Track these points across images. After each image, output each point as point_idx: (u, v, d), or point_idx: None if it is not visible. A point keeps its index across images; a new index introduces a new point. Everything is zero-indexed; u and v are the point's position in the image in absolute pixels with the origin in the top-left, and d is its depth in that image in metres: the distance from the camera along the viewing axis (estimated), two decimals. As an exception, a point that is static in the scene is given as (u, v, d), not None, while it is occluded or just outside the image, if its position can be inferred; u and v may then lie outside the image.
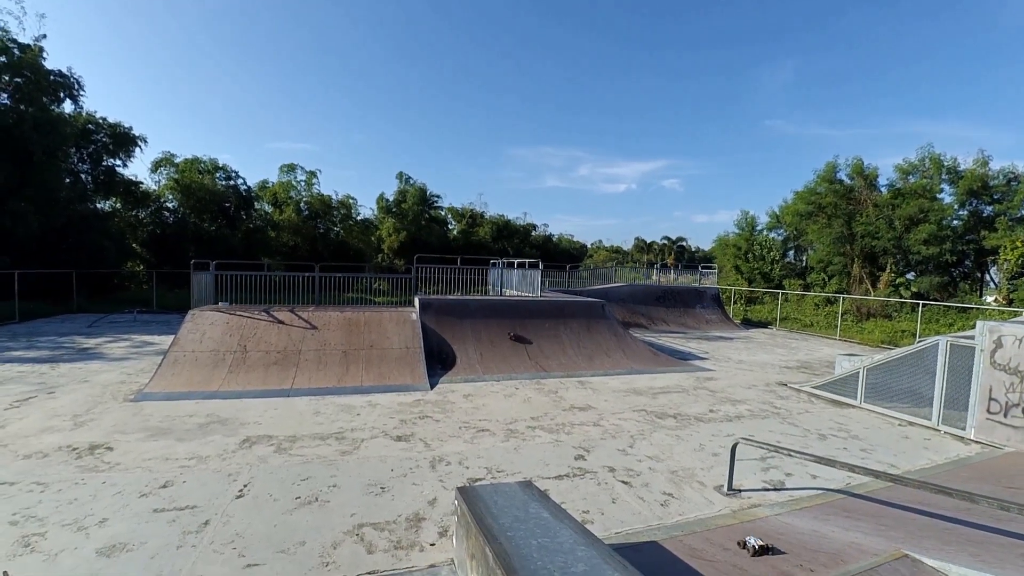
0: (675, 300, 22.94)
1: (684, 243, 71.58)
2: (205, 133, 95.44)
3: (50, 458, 5.88)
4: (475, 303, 12.72)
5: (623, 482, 5.73)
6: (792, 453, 5.59)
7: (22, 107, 19.91)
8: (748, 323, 24.12)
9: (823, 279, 30.46)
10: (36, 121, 19.72)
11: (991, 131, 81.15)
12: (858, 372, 9.54)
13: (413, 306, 12.16)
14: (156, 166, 31.13)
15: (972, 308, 20.81)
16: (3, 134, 18.70)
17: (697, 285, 25.35)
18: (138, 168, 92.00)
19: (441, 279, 15.48)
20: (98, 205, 26.56)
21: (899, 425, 8.44)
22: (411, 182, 42.52)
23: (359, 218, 41.18)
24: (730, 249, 36.87)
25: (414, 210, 41.04)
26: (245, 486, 5.30)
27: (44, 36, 21.53)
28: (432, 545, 4.29)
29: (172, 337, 10.18)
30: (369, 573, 3.87)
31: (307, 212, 37.06)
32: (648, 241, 73.23)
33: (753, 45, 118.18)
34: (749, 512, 5.10)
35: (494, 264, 18.16)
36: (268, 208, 36.41)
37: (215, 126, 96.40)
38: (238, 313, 10.70)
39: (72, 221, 21.66)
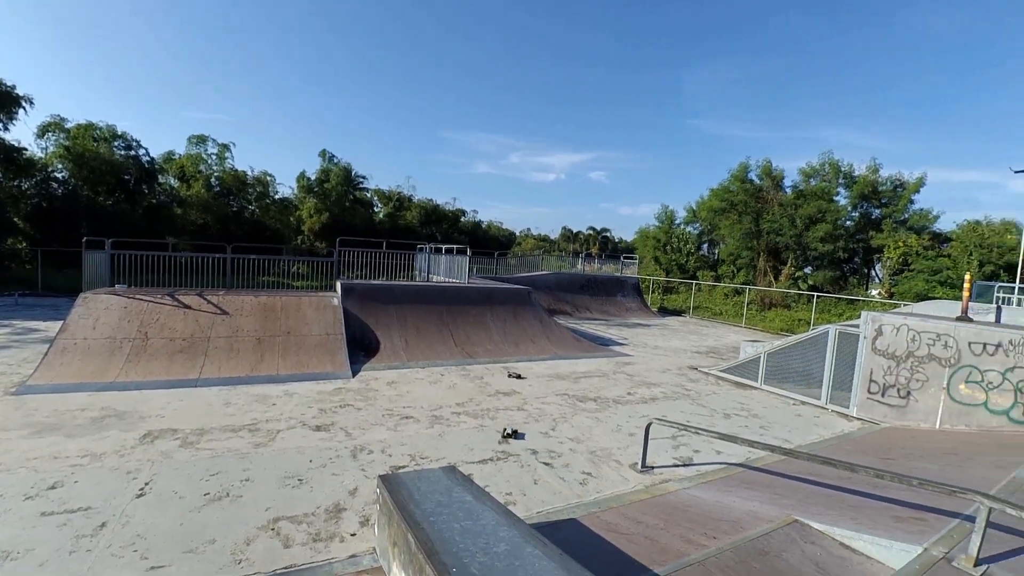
0: (598, 289, 23.72)
1: (608, 234, 73.91)
2: (101, 96, 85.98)
3: (-93, 460, 5.18)
4: (401, 288, 12.49)
5: (545, 464, 5.90)
6: (700, 431, 6.01)
7: None
8: (664, 311, 25.41)
9: (732, 271, 32.73)
10: None
11: (884, 141, 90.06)
12: (759, 357, 10.35)
13: (335, 291, 11.74)
14: (43, 131, 27.71)
15: (859, 300, 23.15)
16: None
17: (619, 275, 26.35)
18: (21, 133, 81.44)
19: (365, 263, 15.02)
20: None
21: (793, 404, 9.27)
22: (335, 161, 40.68)
23: (277, 197, 38.93)
24: (650, 241, 38.66)
25: (338, 190, 39.31)
26: (147, 484, 4.92)
27: None
28: (353, 535, 4.22)
29: (60, 323, 9.19)
30: (286, 568, 3.75)
31: (219, 188, 34.53)
32: (575, 231, 74.92)
33: (682, 47, 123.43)
34: (661, 487, 5.42)
35: (421, 249, 17.89)
36: (174, 182, 33.58)
37: (114, 88, 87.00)
38: (138, 297, 9.84)
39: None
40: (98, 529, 4.11)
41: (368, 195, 44.70)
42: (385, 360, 10.26)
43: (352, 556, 3.91)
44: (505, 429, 6.88)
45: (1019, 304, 15.82)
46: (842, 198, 30.88)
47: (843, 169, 30.75)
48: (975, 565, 3.27)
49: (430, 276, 16.94)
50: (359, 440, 6.31)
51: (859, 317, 9.03)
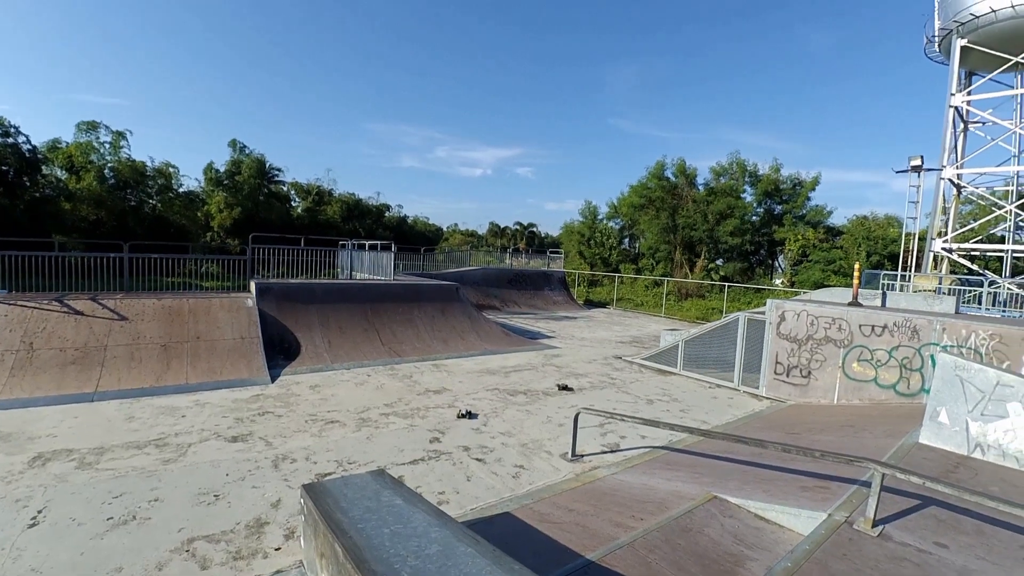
0: (526, 283, 24.02)
1: (535, 229, 74.91)
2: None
3: None
4: (322, 287, 12.00)
5: (477, 460, 5.91)
6: (625, 418, 6.26)
7: None
8: (590, 304, 26.19)
9: (652, 264, 34.34)
10: None
11: (784, 143, 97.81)
12: (678, 344, 10.93)
13: (249, 291, 11.08)
14: None
15: (765, 289, 25.02)
16: None
17: (546, 269, 26.83)
18: None
19: (283, 261, 14.26)
20: None
21: (710, 388, 9.87)
22: (247, 152, 38.28)
23: (181, 190, 36.14)
24: (575, 236, 39.69)
25: (250, 183, 36.99)
26: (40, 512, 4.41)
27: None
28: (277, 550, 4.01)
29: (-82, 336, 8.03)
30: (202, 589, 3.50)
31: (114, 181, 31.51)
32: (502, 226, 75.29)
33: (603, 43, 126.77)
34: (590, 474, 5.59)
35: (343, 246, 17.26)
36: (61, 174, 30.25)
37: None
38: (21, 303, 8.78)
39: None
40: (-22, 567, 3.64)
41: (285, 188, 42.59)
42: (307, 363, 9.83)
43: (277, 572, 3.73)
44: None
45: (901, 290, 17.82)
46: (748, 195, 33.40)
47: (749, 168, 33.26)
48: (873, 526, 3.63)
49: (353, 273, 16.39)
50: (281, 449, 6.00)
51: (765, 305, 9.76)
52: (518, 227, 73.73)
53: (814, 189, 31.74)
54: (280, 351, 10.00)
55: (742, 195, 32.91)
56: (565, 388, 9.11)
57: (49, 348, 8.22)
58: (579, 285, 30.79)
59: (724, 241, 31.08)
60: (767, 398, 9.30)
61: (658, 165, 34.37)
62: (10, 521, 4.25)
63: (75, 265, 11.17)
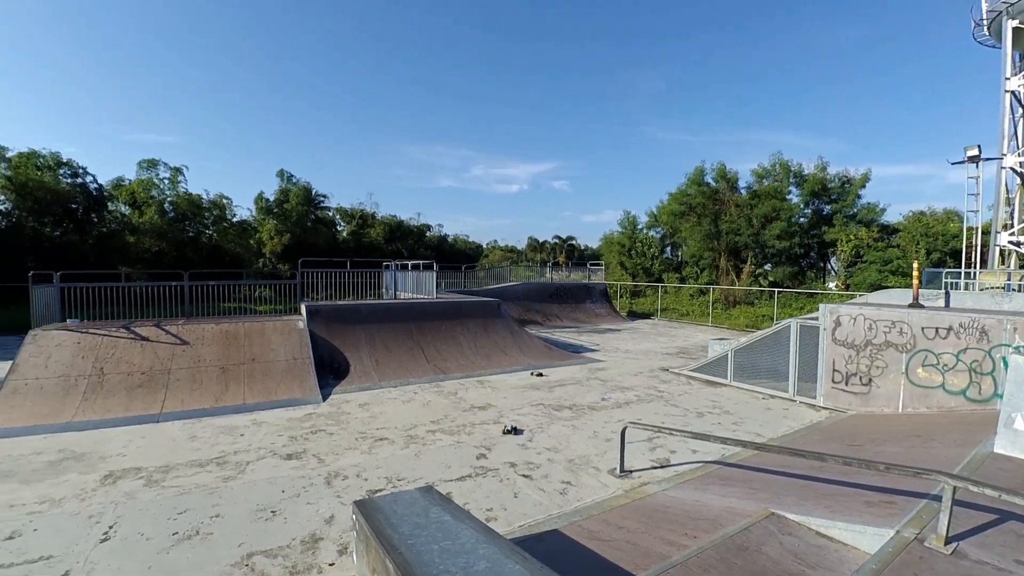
0: (567, 296, 23.93)
1: (574, 241, 74.75)
2: (44, 122, 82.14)
3: None
4: (368, 307, 12.32)
5: (524, 476, 5.88)
6: (674, 432, 6.10)
7: None
8: (633, 315, 25.80)
9: (696, 272, 33.54)
10: None
11: (828, 141, 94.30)
12: (727, 354, 10.61)
13: (300, 314, 11.49)
14: (-18, 162, 26.41)
15: (818, 293, 24.00)
16: None
17: (586, 281, 26.67)
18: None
19: (330, 284, 14.76)
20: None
21: (763, 399, 9.51)
22: (294, 180, 40.02)
23: (235, 220, 37.95)
24: (615, 247, 39.30)
25: (298, 210, 38.61)
26: (111, 527, 4.68)
27: None
28: (331, 565, 4.10)
29: (10, 363, 8.70)
30: (261, 604, 3.62)
31: (173, 214, 33.44)
32: (541, 240, 75.48)
33: (631, 49, 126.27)
34: (640, 491, 5.47)
35: (387, 266, 17.71)
36: (126, 210, 32.35)
37: (57, 113, 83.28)
38: (92, 331, 9.41)
39: None
40: (58, 580, 3.88)
41: (330, 214, 44.12)
42: (356, 381, 10.07)
43: (331, 587, 3.81)
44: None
45: (966, 288, 16.72)
46: (794, 196, 32.23)
47: (793, 169, 32.15)
48: (945, 543, 3.40)
49: (397, 293, 16.77)
50: (333, 466, 6.16)
51: (818, 310, 9.36)
52: (557, 241, 73.71)
53: (864, 186, 30.34)
54: (330, 370, 10.30)
55: (787, 197, 31.78)
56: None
57: (118, 373, 8.76)
58: (621, 296, 30.41)
59: (771, 245, 30.05)
60: (825, 408, 8.88)
61: (697, 171, 33.76)
62: (84, 536, 4.53)
63: (140, 294, 11.91)
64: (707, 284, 28.50)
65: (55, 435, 7.21)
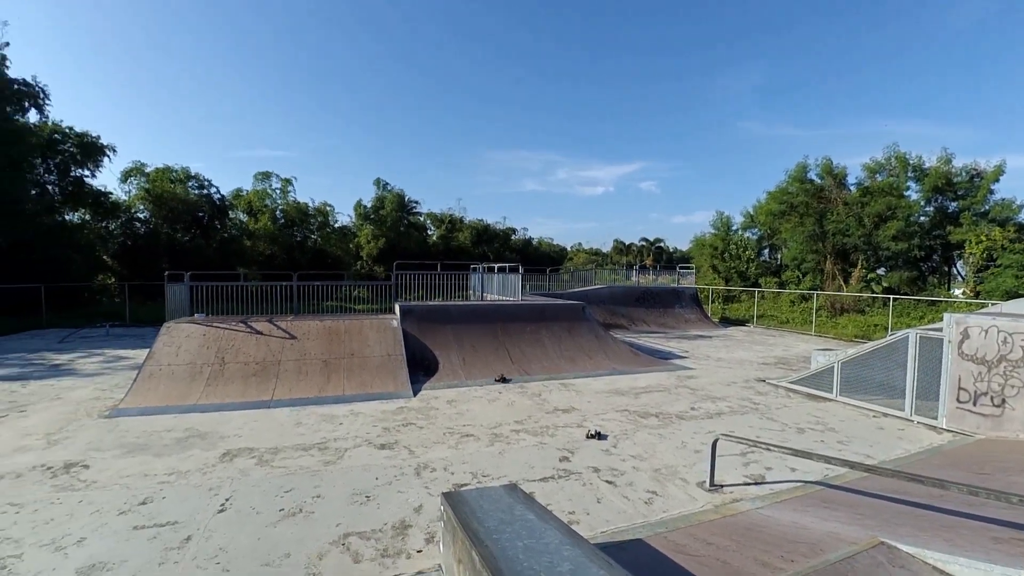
0: (655, 301, 23.22)
1: (662, 244, 72.44)
2: (176, 141, 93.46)
3: (24, 478, 5.71)
4: (456, 308, 12.71)
5: (608, 482, 5.79)
6: (771, 447, 5.72)
7: (-16, 117, 19.24)
8: (726, 321, 24.52)
9: (797, 276, 31.19)
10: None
11: (952, 129, 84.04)
12: (833, 366, 9.78)
13: (394, 313, 12.09)
14: (126, 176, 30.38)
15: (941, 301, 21.51)
16: (-35, 146, 18.06)
17: (676, 285, 25.72)
18: (107, 178, 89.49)
19: (421, 285, 15.43)
20: (66, 217, 25.77)
21: (874, 416, 8.67)
22: (389, 188, 42.34)
23: (337, 225, 40.82)
24: (707, 249, 37.50)
25: (392, 216, 40.81)
26: (227, 500, 5.21)
27: (7, 44, 20.88)
28: (419, 552, 4.28)
29: (147, 351, 9.95)
30: (356, 583, 3.85)
31: (283, 220, 36.57)
32: (627, 243, 73.88)
33: (719, 48, 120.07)
34: (731, 507, 5.19)
35: (474, 269, 18.18)
36: (243, 217, 35.83)
37: (186, 133, 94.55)
38: (215, 325, 10.52)
39: (39, 233, 21.01)
40: (184, 542, 4.38)
41: (421, 219, 46.09)
42: (444, 379, 10.43)
43: (419, 572, 3.97)
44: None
45: None
46: (913, 192, 28.83)
47: (911, 162, 28.77)
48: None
49: (484, 295, 17.16)
50: (422, 458, 6.43)
51: (942, 320, 8.37)
52: (644, 243, 71.81)
53: (997, 180, 26.35)
54: (421, 367, 10.76)
55: (905, 193, 28.47)
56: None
57: (236, 362, 9.70)
58: (713, 302, 29.01)
59: (885, 247, 27.13)
60: (948, 431, 7.93)
61: (799, 167, 31.27)
62: (204, 506, 5.08)
63: (255, 292, 13.14)
64: (810, 289, 26.42)
65: (183, 415, 8.13)
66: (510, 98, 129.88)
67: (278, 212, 36.53)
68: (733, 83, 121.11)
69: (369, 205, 41.43)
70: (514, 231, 53.73)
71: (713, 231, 38.33)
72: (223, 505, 5.10)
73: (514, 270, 15.50)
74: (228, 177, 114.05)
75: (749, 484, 5.84)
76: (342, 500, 5.23)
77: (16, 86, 21.11)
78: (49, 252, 21.25)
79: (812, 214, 29.85)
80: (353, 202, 42.99)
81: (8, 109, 20.44)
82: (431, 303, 13.39)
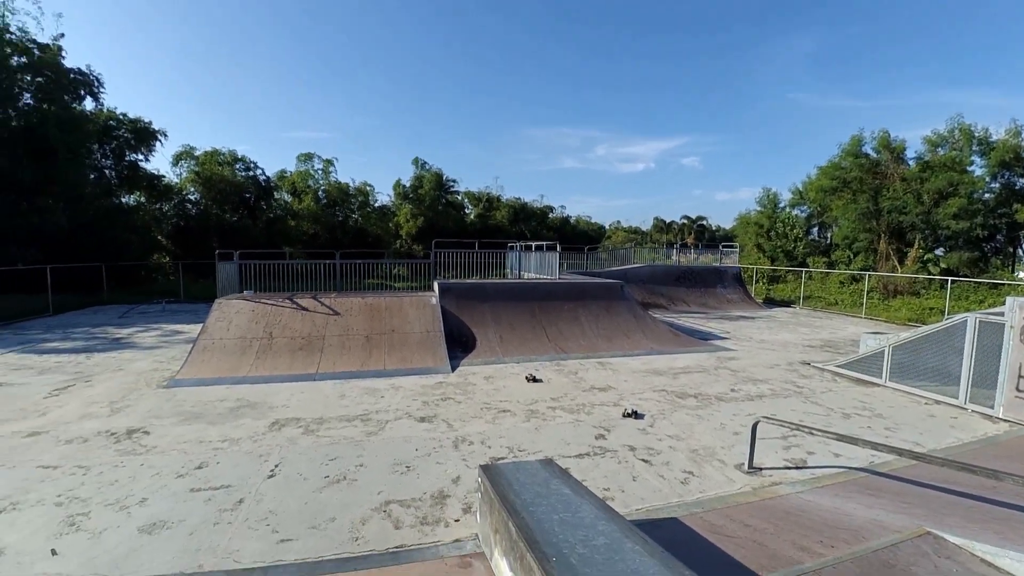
0: (695, 280, 22.74)
1: (704, 222, 70.40)
2: (222, 124, 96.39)
3: (90, 443, 6.15)
4: (493, 286, 12.80)
5: (643, 460, 5.79)
6: (814, 431, 5.58)
7: (45, 106, 20.25)
8: (771, 302, 23.82)
9: (848, 256, 29.87)
10: (59, 119, 20.03)
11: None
12: (884, 350, 9.40)
13: (432, 291, 12.28)
14: (177, 159, 31.61)
15: (1004, 284, 20.25)
16: (28, 133, 19.14)
17: (718, 265, 25.09)
18: (160, 162, 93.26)
19: (459, 263, 15.59)
20: (123, 199, 27.07)
21: (925, 404, 8.33)
22: (427, 167, 42.64)
23: (376, 205, 41.51)
24: (752, 227, 36.30)
25: (431, 195, 41.17)
26: (276, 466, 5.49)
27: (62, 35, 21.78)
28: (456, 521, 4.42)
29: (200, 326, 10.46)
30: (397, 547, 4.01)
31: (325, 200, 37.40)
32: (667, 221, 72.16)
33: (766, 18, 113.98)
34: (770, 490, 5.12)
35: (512, 247, 18.20)
36: (287, 197, 36.84)
37: (231, 117, 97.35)
38: (263, 301, 10.95)
39: (98, 216, 22.17)
40: (237, 505, 4.66)
41: (459, 198, 46.31)
42: (481, 356, 10.58)
43: (456, 540, 4.10)
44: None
45: None
46: (978, 167, 26.90)
47: (977, 134, 26.81)
48: None
49: (521, 273, 17.20)
50: (460, 431, 6.58)
51: (1004, 304, 7.89)
52: (685, 221, 70.03)
53: None
54: (458, 344, 10.93)
55: (969, 168, 26.58)
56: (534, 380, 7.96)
57: (283, 337, 10.09)
58: (758, 282, 28.17)
59: (945, 226, 25.52)
60: (1005, 420, 7.53)
61: (854, 140, 29.59)
62: (255, 471, 5.36)
63: (300, 270, 13.58)
64: (861, 270, 25.29)
65: (234, 386, 8.54)
66: (551, 74, 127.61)
67: (320, 192, 37.38)
68: (783, 51, 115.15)
69: (408, 184, 41.92)
70: (551, 209, 53.40)
71: (759, 208, 37.03)
72: (272, 471, 5.37)
73: (551, 248, 15.44)
74: (272, 159, 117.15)
75: (789, 468, 5.73)
76: (383, 469, 5.43)
77: (72, 75, 22.02)
78: (108, 233, 22.44)
79: (866, 190, 28.38)
80: (392, 182, 43.61)
81: (66, 98, 21.40)
82: (469, 281, 13.52)
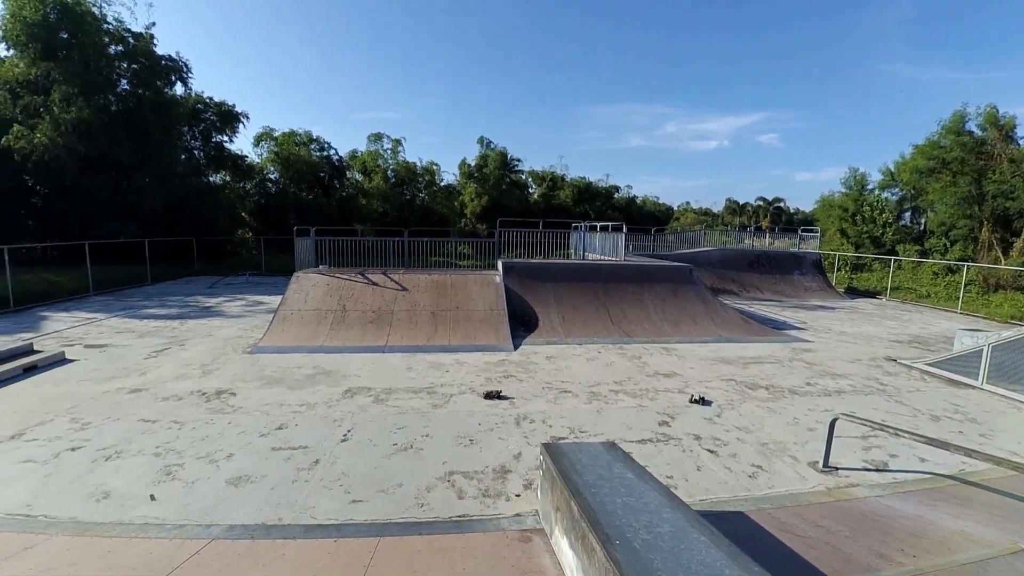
0: (770, 266, 21.63)
1: (782, 204, 66.59)
2: (298, 106, 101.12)
3: (184, 401, 6.75)
4: (557, 267, 12.75)
5: (709, 451, 5.65)
6: (899, 433, 5.22)
7: (140, 91, 21.80)
8: (853, 292, 22.31)
9: (944, 245, 27.27)
10: (153, 103, 21.57)
11: None
12: (982, 350, 8.59)
13: (496, 269, 12.39)
14: (258, 140, 33.31)
15: None
16: (126, 117, 20.72)
17: (796, 250, 23.70)
18: (242, 143, 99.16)
19: (523, 243, 15.62)
20: (210, 178, 28.90)
21: (1030, 409, 7.57)
22: (492, 147, 42.66)
23: (442, 184, 42.08)
24: (835, 210, 33.77)
25: (495, 175, 41.26)
26: (348, 431, 5.81)
27: (153, 24, 23.26)
28: (517, 496, 4.51)
29: (280, 297, 11.13)
30: (460, 516, 4.16)
31: (394, 179, 38.35)
32: (741, 203, 68.88)
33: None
34: (846, 491, 4.86)
35: (576, 227, 17.99)
36: (358, 177, 38.07)
37: (307, 99, 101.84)
38: (337, 275, 11.48)
39: (189, 194, 23.86)
40: (313, 465, 4.98)
41: (523, 177, 46.12)
42: (544, 336, 10.61)
43: (517, 515, 4.19)
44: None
45: None
46: (1105, 147, 23.68)
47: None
48: None
49: (585, 254, 17.00)
50: (522, 409, 6.67)
51: None
52: (760, 203, 66.60)
53: None
54: (521, 323, 11.02)
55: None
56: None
57: (355, 310, 10.56)
58: (839, 270, 26.40)
59: (1061, 215, 22.75)
60: None
61: (956, 117, 26.57)
62: (330, 435, 5.70)
63: (370, 247, 14.10)
64: (959, 260, 23.06)
65: (310, 355, 9.06)
66: (618, 49, 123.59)
67: (389, 172, 38.35)
68: (875, 17, 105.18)
69: (473, 164, 42.18)
70: (617, 189, 52.17)
71: (844, 190, 34.29)
72: (345, 436, 5.69)
73: (617, 229, 15.11)
74: (345, 139, 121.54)
75: (869, 470, 5.41)
76: (448, 441, 5.61)
77: (164, 62, 23.47)
78: (198, 210, 24.17)
79: (968, 172, 25.63)
80: (458, 161, 44.01)
81: (159, 83, 22.91)
82: (532, 260, 13.53)
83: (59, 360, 8.48)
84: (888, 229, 30.54)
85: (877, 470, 5.41)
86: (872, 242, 30.26)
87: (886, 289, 21.76)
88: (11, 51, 19.59)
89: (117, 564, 3.48)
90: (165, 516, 4.12)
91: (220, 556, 3.58)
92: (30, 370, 7.88)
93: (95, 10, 20.18)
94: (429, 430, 5.91)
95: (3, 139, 17.34)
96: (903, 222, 32.91)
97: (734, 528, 3.98)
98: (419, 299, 10.96)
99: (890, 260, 24.08)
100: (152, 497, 4.38)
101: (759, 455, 5.60)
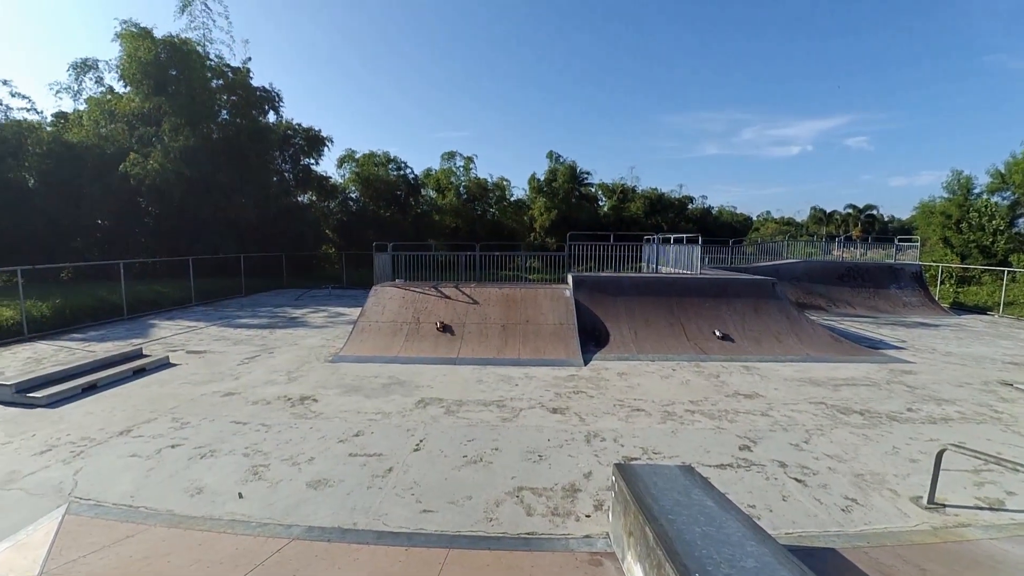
0: (863, 279, 20.04)
1: (874, 212, 61.66)
2: (376, 129, 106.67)
3: (271, 405, 7.20)
4: (628, 280, 12.48)
5: (796, 480, 5.26)
6: (1018, 467, 4.61)
7: (238, 120, 24.11)
8: (960, 308, 20.19)
9: (1071, 255, 24.06)
10: (249, 131, 23.82)
11: None
12: None
13: (566, 283, 12.33)
14: (341, 162, 35.60)
15: None
16: (227, 143, 22.93)
17: (892, 262, 21.82)
18: (327, 165, 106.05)
19: (593, 256, 15.46)
20: (298, 198, 31.12)
21: None
22: (561, 160, 42.89)
23: (512, 199, 42.74)
24: (937, 218, 30.78)
25: (564, 188, 41.39)
26: (421, 441, 5.95)
27: (249, 59, 25.41)
28: (587, 516, 4.40)
29: (359, 309, 11.68)
30: (528, 534, 4.12)
31: (466, 196, 39.47)
32: (828, 211, 64.46)
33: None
34: (955, 532, 4.36)
35: (648, 240, 17.58)
36: (432, 194, 39.49)
37: (385, 123, 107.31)
38: (412, 289, 11.87)
39: (280, 212, 25.79)
40: (387, 472, 5.14)
41: (592, 190, 45.96)
42: (615, 351, 10.40)
43: (587, 536, 4.09)
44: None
45: None
46: None
47: None
48: None
49: (658, 267, 16.54)
50: (592, 426, 6.54)
51: None
52: (850, 211, 62.11)
53: None
54: (591, 338, 10.86)
55: None
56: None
57: (428, 322, 10.86)
58: (943, 283, 23.99)
59: None
60: None
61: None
62: (404, 444, 5.86)
63: (443, 261, 14.49)
64: (1091, 274, 20.28)
65: (386, 365, 9.40)
66: (689, 54, 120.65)
67: (461, 188, 39.51)
68: (977, 5, 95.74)
69: (542, 178, 42.56)
70: (691, 200, 50.62)
71: (946, 195, 31.19)
72: (418, 445, 5.83)
73: (692, 241, 14.59)
74: (419, 158, 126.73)
75: (981, 508, 4.81)
76: (517, 455, 5.60)
77: (259, 93, 25.74)
78: (288, 227, 26.02)
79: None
80: (527, 175, 44.50)
81: (254, 112, 25.18)
82: (603, 274, 13.33)
83: (164, 364, 9.33)
84: (999, 237, 27.33)
85: (991, 509, 4.81)
86: (981, 252, 27.22)
87: (998, 304, 19.48)
88: (128, 88, 22.14)
89: (206, 557, 3.73)
90: (251, 513, 4.39)
91: (299, 556, 3.75)
92: (139, 372, 8.75)
93: (199, 49, 22.56)
94: (498, 443, 5.92)
95: (121, 166, 19.57)
96: (1016, 229, 29.33)
97: (825, 566, 3.67)
98: (490, 312, 11.11)
99: (1003, 272, 21.57)
100: (240, 495, 4.69)
101: (853, 487, 5.14)
